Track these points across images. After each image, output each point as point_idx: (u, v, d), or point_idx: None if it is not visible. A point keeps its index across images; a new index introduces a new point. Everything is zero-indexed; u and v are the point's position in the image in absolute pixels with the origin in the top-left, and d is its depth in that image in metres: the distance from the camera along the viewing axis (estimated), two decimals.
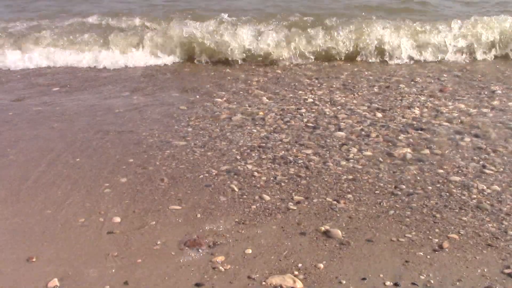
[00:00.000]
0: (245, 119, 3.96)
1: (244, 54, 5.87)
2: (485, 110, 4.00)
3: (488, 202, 2.62)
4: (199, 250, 2.28)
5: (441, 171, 2.99)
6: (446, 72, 5.27)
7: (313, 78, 5.11)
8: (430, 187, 2.80)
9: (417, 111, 4.01)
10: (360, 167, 3.07)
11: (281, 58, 5.80)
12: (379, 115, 3.95)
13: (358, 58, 5.85)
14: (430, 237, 2.33)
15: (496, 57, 5.90)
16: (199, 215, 2.59)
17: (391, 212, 2.56)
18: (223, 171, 3.08)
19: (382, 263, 2.15)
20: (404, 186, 2.82)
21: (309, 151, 3.31)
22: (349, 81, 4.98)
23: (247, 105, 4.29)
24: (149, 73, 5.65)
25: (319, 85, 4.86)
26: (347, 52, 5.90)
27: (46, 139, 3.72)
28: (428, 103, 4.20)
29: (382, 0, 8.50)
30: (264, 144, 3.45)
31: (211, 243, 2.33)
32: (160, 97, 4.70)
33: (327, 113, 4.01)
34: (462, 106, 4.10)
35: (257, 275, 2.09)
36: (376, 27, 6.02)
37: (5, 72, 5.81)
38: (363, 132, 3.60)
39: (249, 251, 2.26)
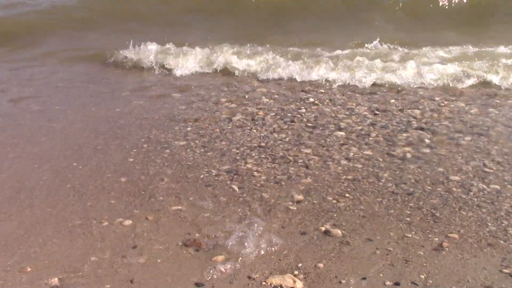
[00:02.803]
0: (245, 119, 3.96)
1: None
2: None
3: (488, 201, 2.62)
4: (199, 250, 2.28)
5: (441, 169, 2.99)
6: None
7: None
8: (429, 187, 2.80)
9: None
10: (360, 166, 3.07)
11: None
12: None
13: None
14: (430, 236, 2.33)
15: None
16: (199, 215, 2.59)
17: (391, 211, 2.56)
18: (223, 171, 3.08)
19: (382, 263, 2.15)
20: (404, 185, 2.82)
21: (309, 151, 3.31)
22: None
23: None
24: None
25: None
26: None
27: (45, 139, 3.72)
28: None
29: None
30: (264, 144, 3.45)
31: (211, 243, 2.33)
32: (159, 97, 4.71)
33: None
34: None
35: (257, 275, 2.09)
36: None
37: None
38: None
39: (249, 250, 2.26)
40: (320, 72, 5.03)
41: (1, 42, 7.13)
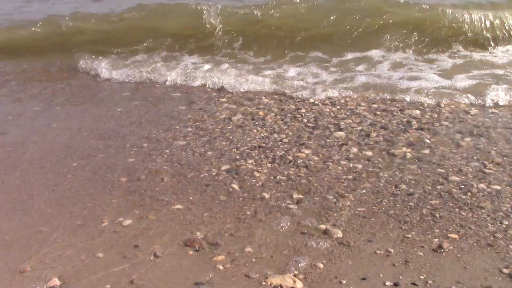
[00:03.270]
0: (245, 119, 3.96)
1: None
2: None
3: (488, 202, 2.62)
4: (199, 249, 2.28)
5: (441, 170, 2.99)
6: None
7: None
8: (429, 187, 2.80)
9: None
10: (360, 166, 3.08)
11: None
12: None
13: None
14: (430, 236, 2.33)
15: None
16: (199, 215, 2.59)
17: (391, 211, 2.56)
18: (223, 170, 3.08)
19: (382, 263, 2.15)
20: (404, 186, 2.82)
21: (309, 151, 3.32)
22: None
23: None
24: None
25: None
26: None
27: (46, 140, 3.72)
28: None
29: None
30: (264, 144, 3.46)
31: (211, 242, 2.34)
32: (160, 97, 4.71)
33: None
34: None
35: (257, 275, 2.09)
36: None
37: None
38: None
39: (249, 250, 2.26)
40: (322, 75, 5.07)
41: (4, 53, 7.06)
